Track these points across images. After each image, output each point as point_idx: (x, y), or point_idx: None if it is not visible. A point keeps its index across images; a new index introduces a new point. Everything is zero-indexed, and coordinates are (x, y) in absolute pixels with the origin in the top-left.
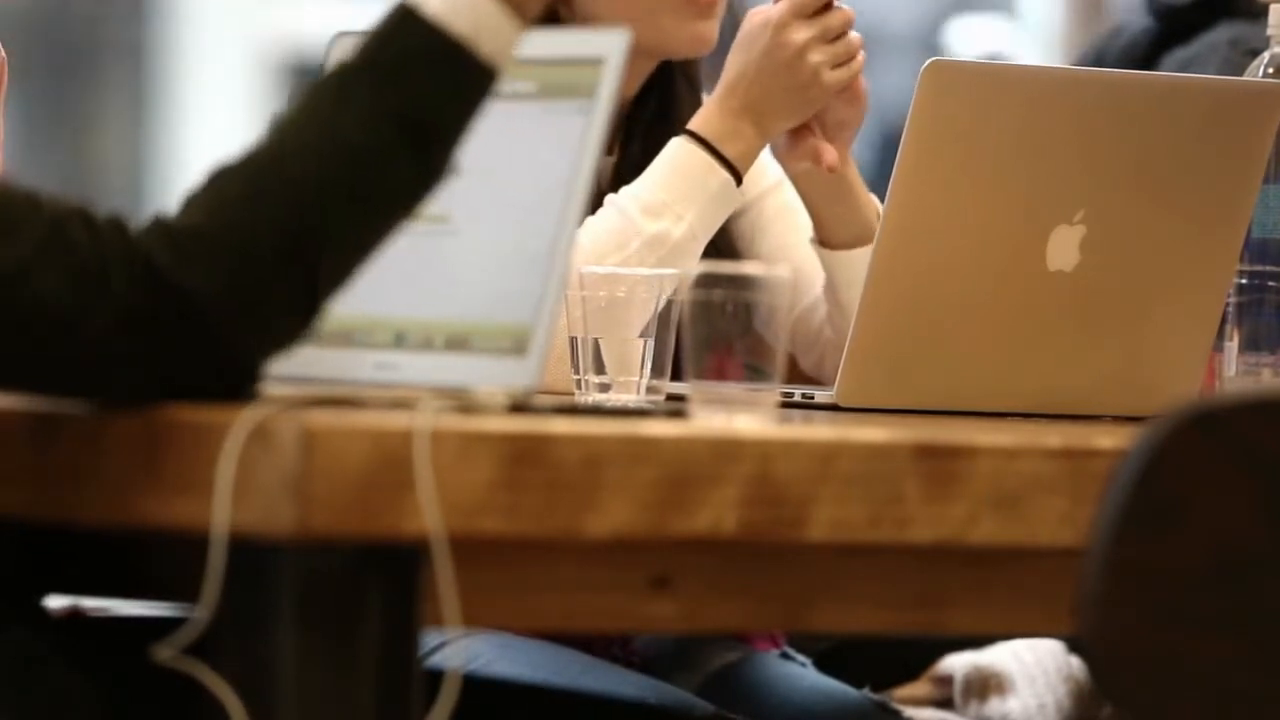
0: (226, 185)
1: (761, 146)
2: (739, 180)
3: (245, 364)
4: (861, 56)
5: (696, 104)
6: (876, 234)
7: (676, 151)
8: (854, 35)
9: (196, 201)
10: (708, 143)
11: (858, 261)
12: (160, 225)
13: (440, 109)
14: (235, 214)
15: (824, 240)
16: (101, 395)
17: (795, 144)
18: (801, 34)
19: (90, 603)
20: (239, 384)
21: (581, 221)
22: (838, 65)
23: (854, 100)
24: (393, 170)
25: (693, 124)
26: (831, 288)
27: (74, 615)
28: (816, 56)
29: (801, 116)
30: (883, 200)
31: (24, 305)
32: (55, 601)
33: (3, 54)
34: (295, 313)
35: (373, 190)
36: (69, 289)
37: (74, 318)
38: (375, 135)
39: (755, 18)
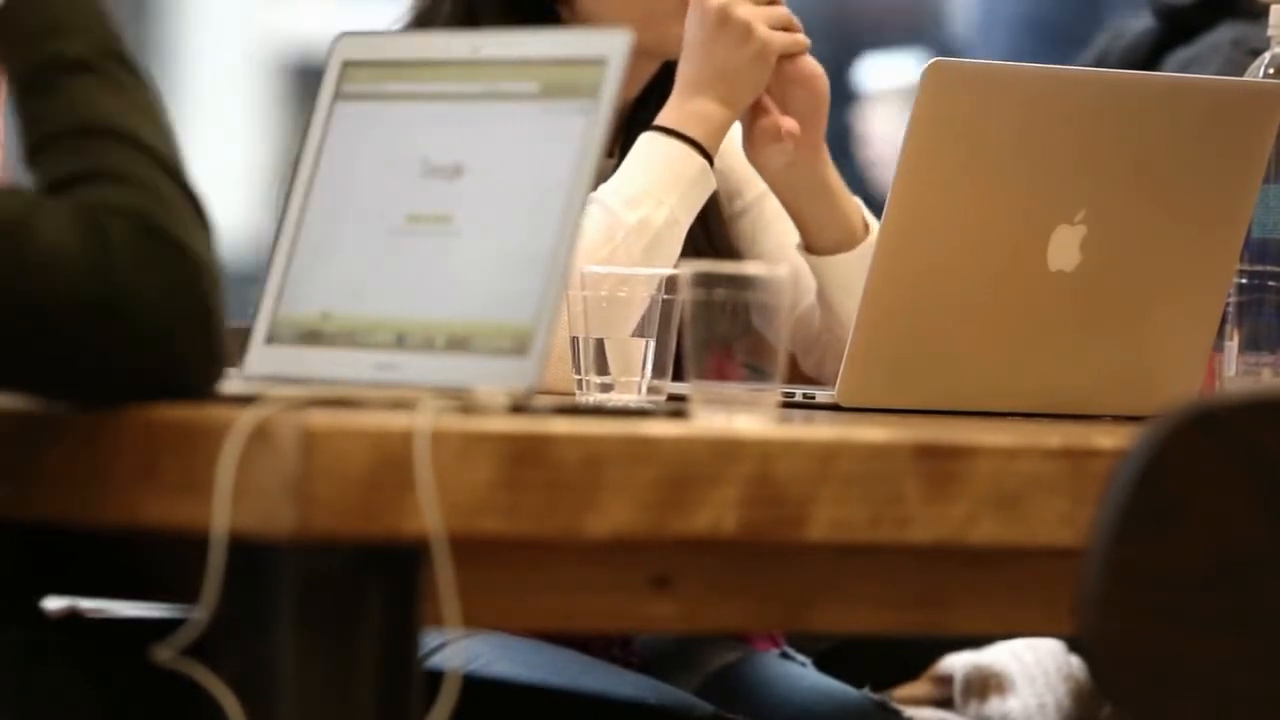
0: (66, 166)
1: (729, 120)
2: (711, 161)
3: (213, 270)
4: (805, 39)
5: None
6: (878, 234)
7: (646, 144)
8: (783, 7)
9: (63, 209)
10: (673, 131)
11: (843, 266)
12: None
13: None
14: (120, 171)
15: (810, 246)
16: (105, 355)
17: (754, 124)
18: None
19: (88, 604)
20: (218, 296)
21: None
22: (776, 31)
23: (807, 83)
24: (141, 86)
25: (660, 120)
26: (821, 293)
27: (72, 616)
28: (742, 11)
29: (755, 79)
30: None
31: (27, 253)
32: (53, 603)
33: None
34: (196, 212)
35: (141, 99)
36: (70, 239)
37: (80, 266)
38: (103, 66)
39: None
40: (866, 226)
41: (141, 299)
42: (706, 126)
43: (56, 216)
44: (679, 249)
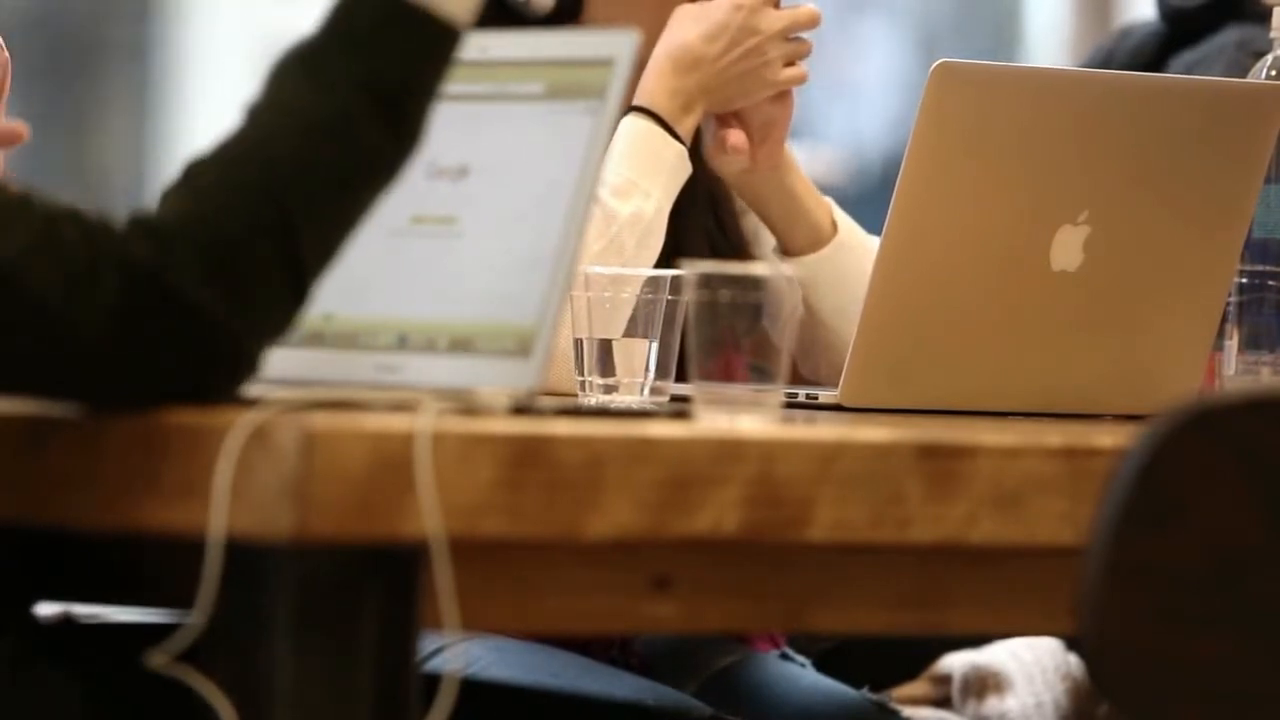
0: (201, 175)
1: (701, 118)
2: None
3: (241, 353)
4: (805, 74)
5: None
6: (882, 234)
7: (633, 130)
8: (809, 43)
9: (172, 195)
10: (661, 119)
11: (813, 267)
12: (139, 222)
13: (406, 75)
14: (211, 203)
15: (784, 249)
16: (96, 398)
17: (713, 130)
18: (774, 24)
19: (81, 609)
20: (236, 375)
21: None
22: (787, 64)
23: (782, 100)
24: (366, 141)
25: (644, 99)
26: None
27: (65, 622)
28: (775, 50)
29: (742, 100)
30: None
31: (15, 305)
32: (46, 608)
33: (6, 56)
34: (283, 294)
35: (348, 163)
36: (60, 289)
37: (66, 318)
38: (345, 108)
39: None
40: (835, 225)
41: (108, 366)
42: (690, 124)
43: (46, 273)
44: (663, 237)
